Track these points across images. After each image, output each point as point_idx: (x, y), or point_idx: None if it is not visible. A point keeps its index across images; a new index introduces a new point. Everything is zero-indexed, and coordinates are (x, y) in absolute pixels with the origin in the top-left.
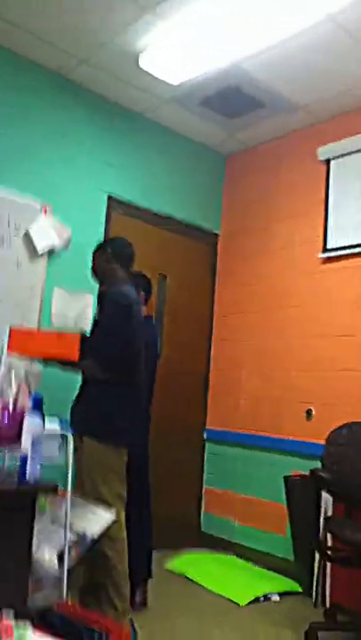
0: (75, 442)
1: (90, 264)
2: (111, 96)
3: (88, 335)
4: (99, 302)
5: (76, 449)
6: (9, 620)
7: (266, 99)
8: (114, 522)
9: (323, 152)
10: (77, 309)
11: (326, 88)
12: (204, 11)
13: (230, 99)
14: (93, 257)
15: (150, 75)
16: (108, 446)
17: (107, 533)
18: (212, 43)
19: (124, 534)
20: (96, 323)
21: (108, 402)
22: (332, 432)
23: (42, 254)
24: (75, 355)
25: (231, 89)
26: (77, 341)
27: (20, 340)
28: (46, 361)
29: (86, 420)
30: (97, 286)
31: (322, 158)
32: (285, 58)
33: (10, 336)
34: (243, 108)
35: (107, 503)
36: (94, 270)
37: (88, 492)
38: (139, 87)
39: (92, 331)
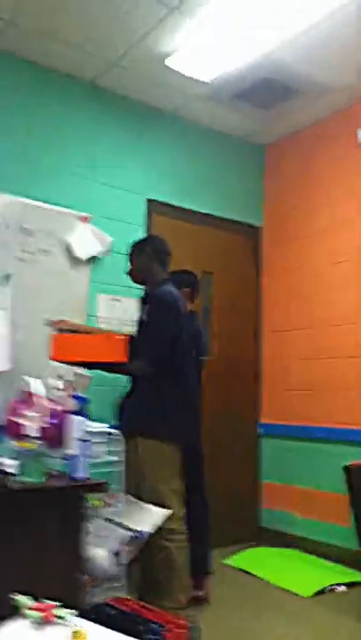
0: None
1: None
2: (142, 98)
3: (134, 336)
4: (143, 303)
5: (126, 448)
6: (54, 608)
7: (301, 85)
8: (171, 516)
9: None
10: (121, 314)
11: None
12: (229, 4)
13: (264, 89)
14: (131, 257)
15: (181, 74)
16: (162, 442)
17: (167, 527)
18: (240, 36)
19: (184, 528)
20: (142, 323)
21: (160, 399)
22: None
23: (84, 263)
24: (123, 356)
25: (264, 79)
26: (125, 343)
27: (64, 346)
28: (92, 364)
29: (139, 418)
30: (139, 291)
31: None
32: (317, 41)
33: (54, 343)
34: (278, 97)
35: (164, 499)
36: (132, 270)
37: (144, 488)
38: (170, 86)
39: (139, 331)
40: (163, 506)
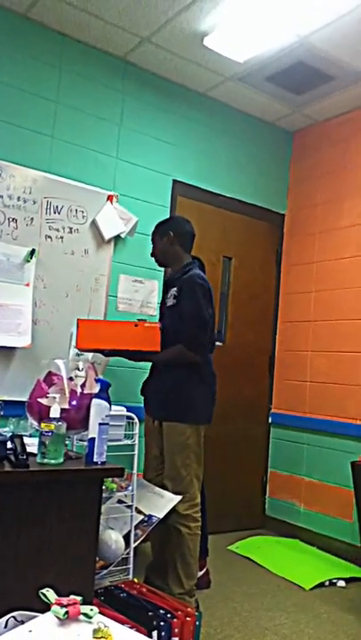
0: (148, 425)
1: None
2: (174, 77)
3: (160, 319)
4: (169, 286)
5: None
6: (78, 603)
7: (335, 71)
8: (190, 502)
9: None
10: (142, 296)
11: None
12: None
13: (298, 73)
14: (154, 238)
15: (215, 53)
16: (189, 428)
17: (184, 513)
18: (278, 17)
19: (199, 516)
20: (171, 307)
21: (187, 384)
22: None
23: (108, 242)
24: (157, 345)
25: (298, 63)
26: (158, 332)
27: (91, 333)
28: (119, 353)
29: (165, 403)
30: (161, 273)
31: None
32: (353, 27)
33: (79, 328)
34: (310, 82)
35: (187, 485)
36: (156, 253)
37: (167, 474)
38: (203, 66)
39: (167, 315)
40: (186, 492)
